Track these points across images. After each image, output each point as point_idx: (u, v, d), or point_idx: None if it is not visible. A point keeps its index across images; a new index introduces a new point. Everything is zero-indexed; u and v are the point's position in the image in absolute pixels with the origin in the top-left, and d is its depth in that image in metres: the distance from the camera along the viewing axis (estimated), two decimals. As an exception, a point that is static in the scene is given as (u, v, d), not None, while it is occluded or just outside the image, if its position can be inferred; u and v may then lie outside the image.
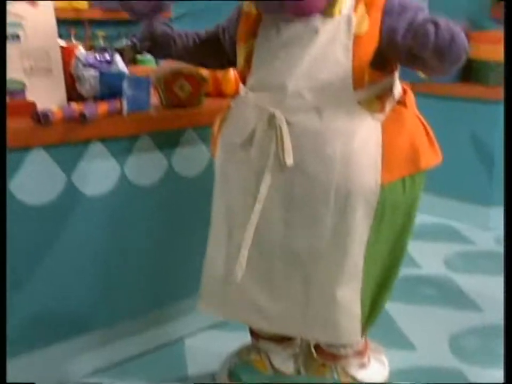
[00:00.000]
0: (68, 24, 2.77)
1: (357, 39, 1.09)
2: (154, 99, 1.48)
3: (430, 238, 2.43)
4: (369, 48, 1.09)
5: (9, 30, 1.35)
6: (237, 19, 1.24)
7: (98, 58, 1.47)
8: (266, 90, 1.15)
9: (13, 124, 1.21)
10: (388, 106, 1.16)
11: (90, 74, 1.41)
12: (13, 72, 1.33)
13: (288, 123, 1.12)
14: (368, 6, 1.10)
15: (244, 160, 1.18)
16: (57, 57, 1.39)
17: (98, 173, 1.37)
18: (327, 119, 1.11)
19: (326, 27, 1.11)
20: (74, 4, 2.72)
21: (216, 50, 1.32)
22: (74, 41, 2.77)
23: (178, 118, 1.47)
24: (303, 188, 1.13)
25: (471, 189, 2.53)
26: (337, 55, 1.10)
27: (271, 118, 1.13)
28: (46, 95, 1.36)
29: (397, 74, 1.20)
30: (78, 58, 1.44)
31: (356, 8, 1.10)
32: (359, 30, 1.09)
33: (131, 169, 1.43)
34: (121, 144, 1.39)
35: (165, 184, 1.50)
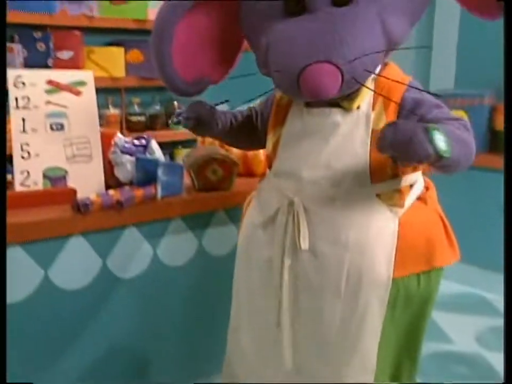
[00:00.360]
0: (105, 92, 2.91)
1: (374, 134, 1.11)
2: (186, 180, 1.54)
3: (461, 310, 2.39)
4: None
5: (55, 120, 1.44)
6: (270, 106, 1.29)
7: (135, 143, 1.54)
8: (287, 177, 1.19)
9: (54, 213, 1.27)
10: (408, 201, 1.17)
11: (127, 160, 1.48)
12: (56, 160, 1.42)
13: (305, 210, 1.15)
14: (386, 104, 1.13)
15: (264, 241, 1.21)
16: (98, 144, 1.47)
17: (132, 256, 1.42)
18: (343, 208, 1.13)
19: (345, 120, 1.14)
20: (113, 72, 2.86)
21: (249, 133, 1.37)
22: (111, 109, 2.92)
23: (210, 201, 1.52)
24: (315, 272, 1.15)
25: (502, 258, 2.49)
26: (355, 149, 1.13)
27: (291, 204, 1.16)
28: (86, 181, 1.43)
29: (420, 171, 1.21)
30: (116, 145, 1.51)
31: (374, 104, 1.13)
32: (377, 126, 1.12)
33: (163, 251, 1.47)
34: (154, 228, 1.44)
35: (195, 263, 1.53)
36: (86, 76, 1.51)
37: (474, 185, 2.49)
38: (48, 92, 1.45)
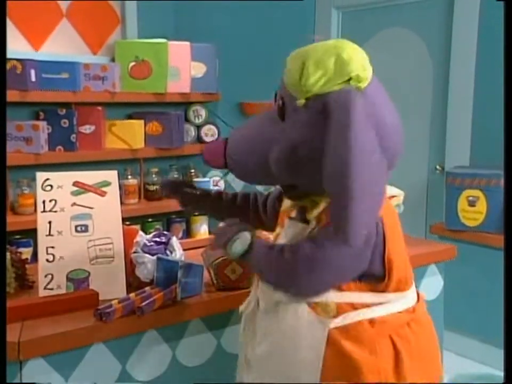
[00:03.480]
0: (124, 162, 2.98)
1: None
2: (206, 275, 1.55)
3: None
4: None
5: (80, 222, 1.48)
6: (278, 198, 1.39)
7: (155, 240, 1.57)
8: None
9: (77, 323, 1.29)
10: (347, 318, 1.14)
11: (149, 260, 1.50)
12: (80, 262, 1.45)
13: (259, 310, 1.25)
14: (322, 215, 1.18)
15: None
16: (120, 243, 1.50)
17: (151, 359, 1.42)
18: (279, 314, 1.19)
19: (298, 230, 1.23)
20: (133, 144, 2.93)
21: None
22: (130, 179, 2.98)
23: (229, 300, 1.53)
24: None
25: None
26: None
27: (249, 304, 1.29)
28: (108, 282, 1.46)
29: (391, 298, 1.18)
30: (137, 244, 1.54)
31: (319, 217, 1.17)
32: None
33: (182, 352, 1.48)
34: (174, 330, 1.45)
35: (213, 362, 1.53)
36: (111, 175, 1.56)
37: (491, 264, 2.48)
38: (74, 193, 1.50)
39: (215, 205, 1.51)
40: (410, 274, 1.24)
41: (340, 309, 1.14)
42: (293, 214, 1.24)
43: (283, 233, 1.26)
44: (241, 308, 1.34)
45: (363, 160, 1.04)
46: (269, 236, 1.63)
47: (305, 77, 1.10)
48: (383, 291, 1.17)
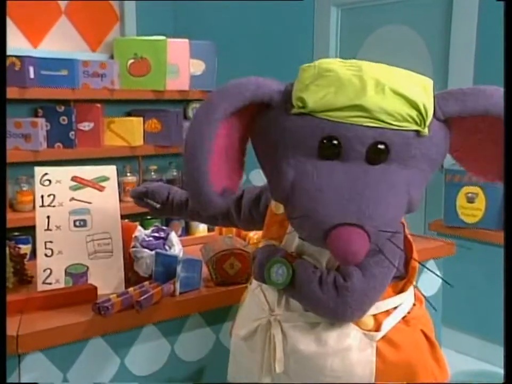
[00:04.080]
0: (123, 160, 2.98)
1: None
2: (205, 270, 1.55)
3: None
4: None
5: (78, 217, 1.48)
6: (263, 208, 1.31)
7: (154, 235, 1.57)
8: (267, 289, 1.19)
9: (75, 317, 1.29)
10: (386, 325, 1.13)
11: (147, 255, 1.50)
12: (78, 257, 1.44)
13: (283, 330, 1.13)
14: None
15: (246, 354, 1.21)
16: (119, 238, 1.50)
17: (150, 353, 1.42)
18: (318, 334, 1.11)
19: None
20: (131, 142, 2.93)
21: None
22: (129, 176, 2.98)
23: (228, 295, 1.53)
24: None
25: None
26: None
27: (268, 323, 1.16)
28: (106, 276, 1.45)
29: (408, 293, 1.19)
30: (136, 239, 1.54)
31: None
32: None
33: (181, 347, 1.47)
34: (172, 325, 1.45)
35: (212, 357, 1.53)
36: (109, 170, 1.55)
37: (490, 261, 2.48)
38: (73, 188, 1.50)
39: (179, 211, 1.50)
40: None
41: (376, 320, 1.13)
42: None
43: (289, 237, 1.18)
44: (244, 333, 1.22)
45: None
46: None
47: (421, 103, 0.99)
48: (402, 289, 1.17)
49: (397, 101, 0.98)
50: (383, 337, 1.12)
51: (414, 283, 1.23)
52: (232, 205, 1.40)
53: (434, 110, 1.02)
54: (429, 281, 1.98)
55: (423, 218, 3.12)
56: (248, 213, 1.38)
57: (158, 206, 1.51)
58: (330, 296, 1.06)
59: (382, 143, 0.98)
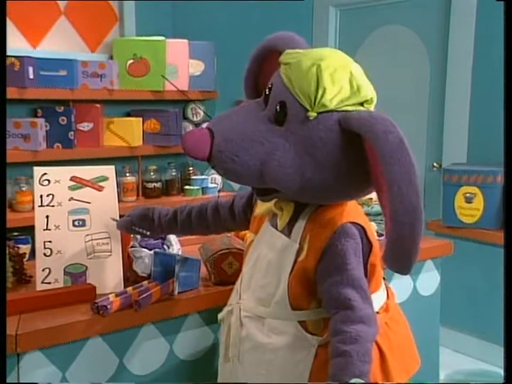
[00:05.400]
0: (122, 160, 2.99)
1: (296, 264, 1.15)
2: (203, 269, 1.56)
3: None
4: (302, 276, 1.14)
5: (77, 217, 1.48)
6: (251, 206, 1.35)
7: (153, 235, 1.57)
8: (239, 282, 1.29)
9: (74, 316, 1.30)
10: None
11: (146, 254, 1.51)
12: (77, 256, 1.45)
13: (241, 324, 1.23)
14: (311, 242, 1.14)
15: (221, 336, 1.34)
16: (117, 238, 1.50)
17: (149, 353, 1.42)
18: (266, 330, 1.19)
19: (281, 246, 1.19)
20: (131, 142, 2.94)
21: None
22: (128, 176, 2.98)
23: (226, 294, 1.52)
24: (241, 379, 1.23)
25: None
26: (280, 275, 1.18)
27: (230, 312, 1.28)
28: (105, 276, 1.46)
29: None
30: (135, 238, 1.54)
31: (303, 237, 1.15)
32: (299, 258, 1.15)
33: (179, 346, 1.48)
34: (171, 324, 1.46)
35: (210, 356, 1.54)
36: (108, 170, 1.56)
37: (487, 261, 2.49)
38: (72, 188, 1.50)
39: (169, 229, 1.48)
40: (381, 271, 1.25)
41: (328, 323, 1.14)
42: (272, 222, 1.23)
43: (259, 240, 1.26)
44: (221, 315, 1.34)
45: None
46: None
47: (321, 91, 1.05)
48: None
49: (313, 81, 1.06)
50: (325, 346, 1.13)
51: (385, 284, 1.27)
52: (226, 211, 1.43)
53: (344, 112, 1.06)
54: (427, 281, 1.99)
55: (421, 218, 3.13)
56: (243, 214, 1.40)
57: (148, 233, 1.48)
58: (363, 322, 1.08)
59: (283, 102, 1.09)
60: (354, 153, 1.05)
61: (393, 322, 1.25)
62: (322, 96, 1.05)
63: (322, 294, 1.13)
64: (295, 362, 1.17)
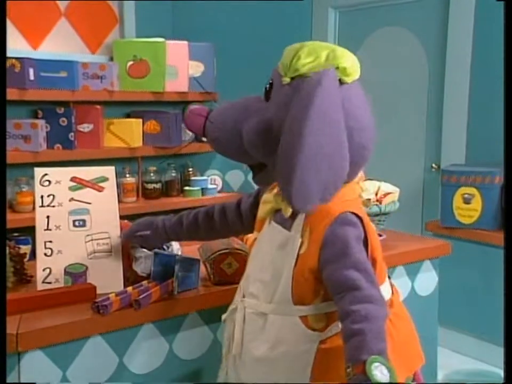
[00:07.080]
0: (122, 161, 3.00)
1: (299, 258, 1.16)
2: (202, 269, 1.57)
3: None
4: (305, 269, 1.14)
5: (77, 217, 1.49)
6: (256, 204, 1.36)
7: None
8: (244, 279, 1.30)
9: (74, 315, 1.31)
10: (333, 328, 1.16)
11: (146, 255, 1.52)
12: (78, 256, 1.46)
13: (244, 320, 1.24)
14: (311, 233, 1.15)
15: (224, 336, 1.34)
16: (117, 239, 1.51)
17: (148, 352, 1.44)
18: (268, 326, 1.20)
19: (282, 239, 1.20)
20: (131, 143, 2.95)
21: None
22: (128, 177, 2.99)
23: (225, 294, 1.54)
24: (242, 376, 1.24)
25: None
26: (283, 269, 1.18)
27: (235, 310, 1.28)
28: (105, 276, 1.47)
29: None
30: (135, 239, 1.55)
31: (303, 230, 1.16)
32: (301, 251, 1.16)
33: (179, 345, 1.49)
34: (171, 323, 1.47)
35: (210, 356, 1.55)
36: (108, 171, 1.57)
37: (485, 262, 2.50)
38: (72, 188, 1.51)
39: (176, 234, 1.50)
40: (385, 268, 1.27)
41: (330, 318, 1.16)
42: (275, 218, 1.24)
43: (261, 238, 1.28)
44: (224, 316, 1.33)
45: (318, 133, 1.03)
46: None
47: (296, 59, 1.13)
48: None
49: (293, 52, 1.15)
50: (331, 339, 1.14)
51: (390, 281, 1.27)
52: (234, 213, 1.44)
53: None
54: (425, 282, 2.00)
55: (420, 219, 3.14)
56: (250, 215, 1.40)
57: (148, 232, 1.49)
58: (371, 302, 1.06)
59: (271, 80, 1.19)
60: None
61: (397, 319, 1.25)
62: (296, 62, 1.13)
63: (327, 280, 1.12)
64: (296, 359, 1.17)
